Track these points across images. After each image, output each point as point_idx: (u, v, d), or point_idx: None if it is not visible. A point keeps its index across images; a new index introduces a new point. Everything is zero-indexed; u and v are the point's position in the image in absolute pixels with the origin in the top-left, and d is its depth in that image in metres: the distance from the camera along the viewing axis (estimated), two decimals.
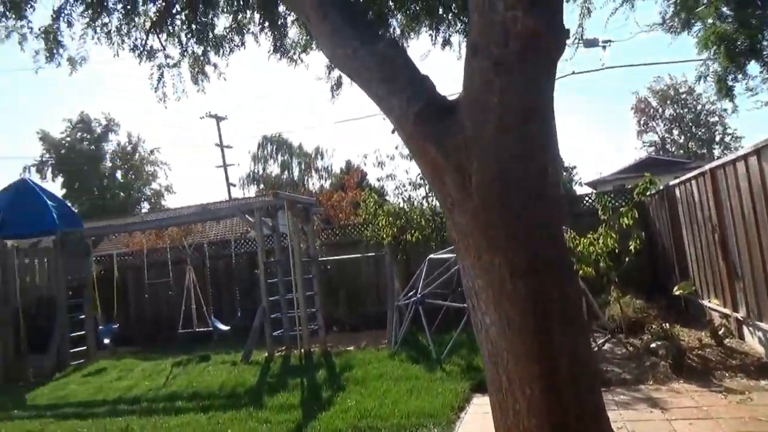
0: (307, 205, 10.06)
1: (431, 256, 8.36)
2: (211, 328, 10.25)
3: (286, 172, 42.31)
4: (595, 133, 70.33)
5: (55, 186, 37.10)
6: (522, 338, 2.68)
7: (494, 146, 2.69)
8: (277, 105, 69.30)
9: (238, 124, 72.99)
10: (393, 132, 3.26)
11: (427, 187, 10.64)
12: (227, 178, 33.35)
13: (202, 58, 7.18)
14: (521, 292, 2.66)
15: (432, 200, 10.56)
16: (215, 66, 7.30)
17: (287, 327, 9.25)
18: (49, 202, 10.94)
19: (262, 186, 40.09)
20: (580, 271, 7.49)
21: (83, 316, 10.63)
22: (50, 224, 10.55)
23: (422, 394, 5.71)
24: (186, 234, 14.66)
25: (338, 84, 7.34)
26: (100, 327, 10.79)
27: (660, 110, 45.02)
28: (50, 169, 37.67)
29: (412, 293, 8.20)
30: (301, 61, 7.36)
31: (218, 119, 33.06)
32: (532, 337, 2.67)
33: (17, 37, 6.21)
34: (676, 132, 45.27)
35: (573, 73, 15.56)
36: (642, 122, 45.52)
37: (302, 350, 8.66)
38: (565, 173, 40.22)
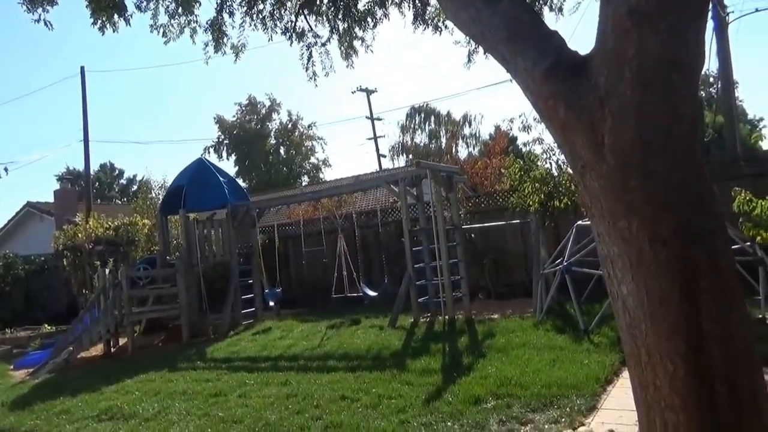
0: (450, 174, 10.05)
1: (579, 222, 7.92)
2: (361, 294, 10.79)
3: (434, 141, 42.51)
4: None
5: (229, 164, 41.21)
6: (663, 310, 2.45)
7: (632, 102, 2.45)
8: (425, 75, 69.45)
9: (387, 97, 74.59)
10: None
11: None
12: (377, 150, 34.49)
13: (348, 34, 7.41)
14: (662, 260, 2.43)
15: None
16: (362, 40, 7.50)
17: (432, 294, 9.43)
18: (221, 179, 12.23)
19: (410, 156, 40.76)
20: (758, 237, 6.62)
21: (251, 281, 11.83)
22: (223, 199, 11.81)
23: (566, 364, 5.52)
24: (338, 205, 15.49)
25: (475, 49, 7.16)
26: (266, 291, 11.90)
27: None
28: (225, 149, 41.83)
29: (559, 261, 7.88)
30: (445, 27, 7.28)
31: (368, 92, 34.13)
32: (675, 310, 2.43)
33: (188, 31, 6.84)
34: None
35: (756, 10, 13.50)
36: None
37: (446, 317, 8.79)
38: (749, 126, 35.24)
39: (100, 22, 5.97)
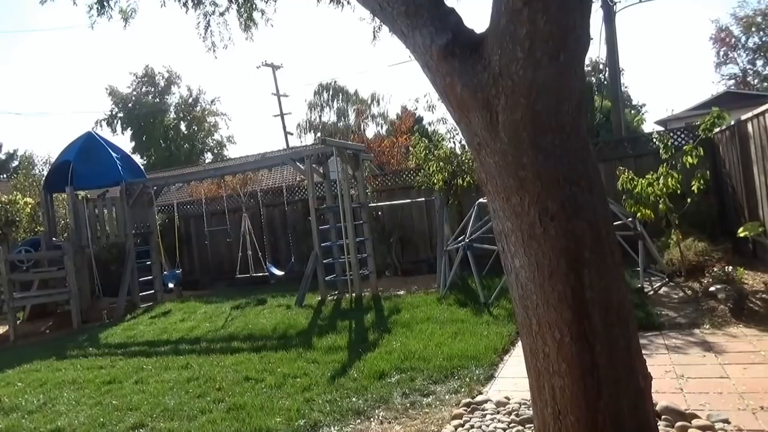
0: (357, 152, 10.03)
1: (481, 200, 8.22)
2: (267, 274, 10.60)
3: (342, 120, 42.31)
4: (668, 67, 65.88)
5: (124, 139, 38.80)
6: (552, 282, 2.58)
7: (524, 81, 2.53)
8: (332, 52, 68.66)
9: (294, 73, 73.02)
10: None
11: None
12: (284, 127, 33.73)
13: (247, 4, 7.12)
14: (551, 234, 2.55)
15: None
16: (262, 12, 7.23)
17: (339, 272, 9.45)
18: (113, 155, 11.44)
19: (318, 134, 40.36)
20: (638, 213, 7.19)
21: (150, 262, 11.25)
22: (116, 176, 11.07)
23: (467, 337, 5.73)
24: (243, 183, 15.04)
25: (380, 26, 7.14)
26: (165, 272, 11.38)
27: (743, 39, 41.41)
28: (119, 123, 39.23)
29: (461, 238, 8.14)
30: (347, 2, 7.18)
31: (274, 68, 33.18)
32: (562, 280, 2.57)
33: None
34: (760, 63, 41.67)
35: (640, 1, 14.47)
36: (722, 53, 42.10)
37: (353, 294, 8.85)
38: (633, 111, 38.08)
39: None
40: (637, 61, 60.42)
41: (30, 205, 13.10)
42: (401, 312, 7.29)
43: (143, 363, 6.56)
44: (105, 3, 6.53)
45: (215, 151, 43.03)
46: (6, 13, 55.85)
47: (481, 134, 2.67)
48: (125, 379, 5.99)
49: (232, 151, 42.28)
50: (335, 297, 9.16)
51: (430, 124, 12.02)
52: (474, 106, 2.65)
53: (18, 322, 9.72)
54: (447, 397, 4.34)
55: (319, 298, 8.95)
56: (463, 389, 4.41)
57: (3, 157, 46.77)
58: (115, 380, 6.00)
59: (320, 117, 42.85)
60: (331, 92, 42.78)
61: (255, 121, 79.53)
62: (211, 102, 42.03)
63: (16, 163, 43.88)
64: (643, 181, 7.11)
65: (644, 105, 41.64)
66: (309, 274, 9.12)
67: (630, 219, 7.40)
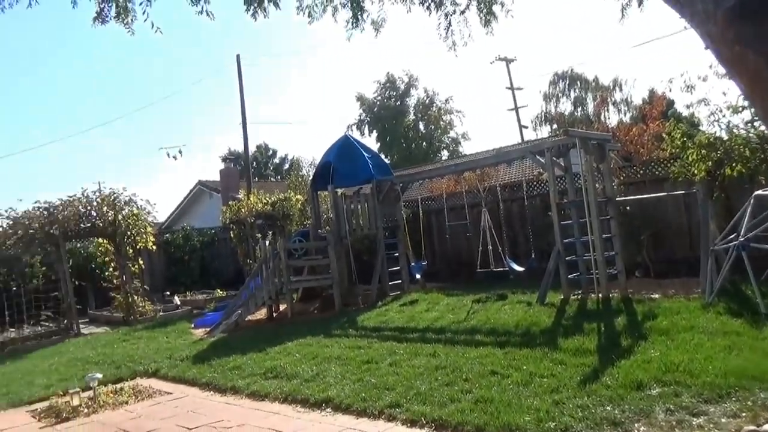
0: (602, 142, 9.38)
1: (758, 192, 7.01)
2: (506, 269, 10.59)
3: (579, 109, 40.05)
4: None
5: (371, 140, 42.50)
6: None
7: None
8: (567, 40, 65.41)
9: (527, 65, 71.52)
10: (706, 48, 2.76)
11: (752, 109, 8.80)
12: (519, 121, 33.32)
13: None
14: None
15: (759, 125, 8.73)
16: (502, 5, 7.21)
17: (583, 270, 8.98)
18: (365, 155, 12.63)
19: (554, 126, 38.84)
20: None
21: (397, 254, 12.16)
22: (368, 174, 12.20)
23: (745, 352, 4.95)
24: (481, 178, 15.26)
25: (628, 2, 6.53)
26: (412, 264, 12.16)
27: None
28: (367, 126, 43.12)
29: (733, 236, 7.05)
30: None
31: (507, 61, 32.98)
32: None
33: (330, 10, 7.00)
34: None
35: None
36: None
37: (599, 295, 8.32)
38: None
39: (252, 8, 6.31)
40: None
41: (300, 202, 15.23)
42: (657, 318, 6.62)
43: (395, 347, 7.11)
44: (358, 16, 7.16)
45: (450, 148, 44.43)
46: (284, 40, 65.80)
47: None
48: (381, 361, 6.56)
49: (466, 148, 43.22)
50: (579, 296, 8.73)
51: (688, 107, 10.61)
52: None
53: (293, 301, 11.38)
54: (723, 420, 3.80)
55: (562, 297, 8.62)
56: (744, 414, 3.82)
57: (278, 161, 55.27)
58: (372, 360, 6.62)
59: (556, 108, 41.20)
60: (567, 81, 40.83)
61: (488, 117, 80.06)
62: (446, 101, 43.49)
63: (287, 165, 51.43)
64: None
65: None
66: (551, 271, 8.85)
67: None
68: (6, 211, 12.76)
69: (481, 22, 7.21)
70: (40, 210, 12.80)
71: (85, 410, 6.14)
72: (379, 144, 41.67)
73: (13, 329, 12.58)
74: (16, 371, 8.96)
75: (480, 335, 7.13)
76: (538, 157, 9.65)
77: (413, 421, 4.63)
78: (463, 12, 7.23)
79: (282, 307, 11.52)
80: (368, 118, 42.97)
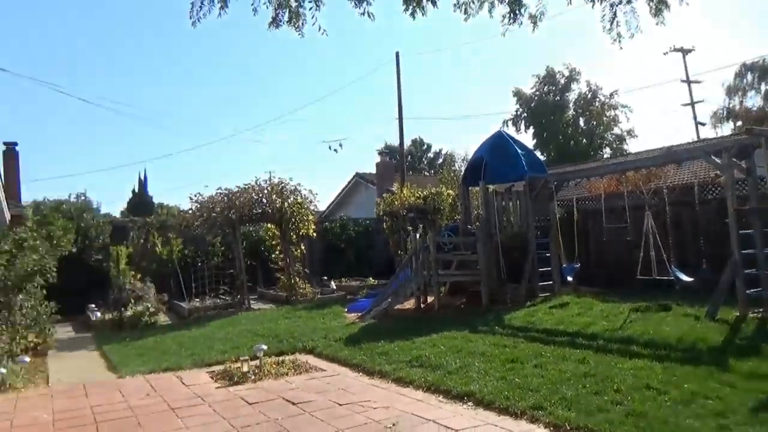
0: None
1: None
2: (671, 278, 9.74)
3: None
4: None
5: (527, 137, 41.31)
6: None
7: None
8: (757, 25, 57.36)
9: (707, 56, 64.12)
10: None
11: None
12: (695, 117, 30.19)
13: None
14: None
15: None
16: None
17: (766, 286, 7.96)
18: (519, 151, 12.39)
19: (739, 123, 34.50)
20: None
21: (548, 254, 11.78)
22: (521, 171, 11.96)
23: None
24: (646, 179, 14.14)
25: None
26: (563, 265, 11.70)
27: None
28: (523, 122, 41.95)
29: None
30: None
31: (684, 52, 29.98)
32: None
33: (487, 5, 6.96)
34: None
35: None
36: None
37: None
38: None
39: (410, 7, 6.51)
40: None
41: (451, 197, 15.39)
42: None
43: (542, 349, 6.96)
44: (516, 11, 7.03)
45: (614, 145, 41.54)
46: (442, 36, 66.58)
47: None
48: (526, 361, 6.47)
49: (632, 146, 40.11)
50: (759, 315, 7.77)
51: None
52: None
53: (440, 294, 11.57)
54: None
55: (737, 314, 7.74)
56: None
57: (432, 156, 56.09)
58: (517, 360, 6.55)
59: (741, 103, 36.57)
60: (758, 73, 35.97)
61: (659, 113, 73.39)
62: (610, 95, 40.72)
63: (440, 160, 51.97)
64: None
65: None
66: (725, 284, 7.99)
67: None
68: (195, 195, 14.60)
69: (650, 11, 6.72)
70: (221, 196, 14.44)
71: (252, 377, 6.88)
72: (535, 140, 40.37)
73: (198, 299, 14.41)
74: (199, 336, 10.28)
75: (636, 346, 6.68)
76: (713, 157, 8.74)
77: (556, 425, 4.54)
78: (629, 1, 6.80)
79: (429, 299, 11.78)
80: (525, 114, 41.77)
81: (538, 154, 29.64)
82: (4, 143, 18.36)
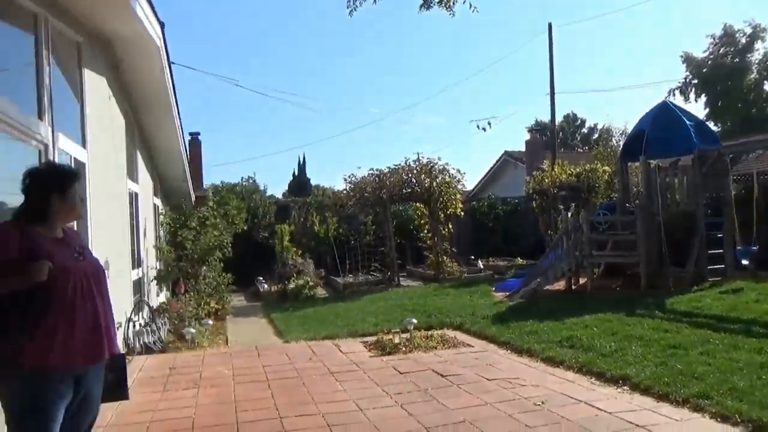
0: None
1: None
2: None
3: None
4: None
5: (698, 106, 37.25)
6: None
7: None
8: None
9: None
10: None
11: None
12: None
13: None
14: None
15: None
16: None
17: None
18: (687, 122, 11.28)
19: None
20: None
21: (720, 235, 10.64)
22: (688, 144, 10.91)
23: None
24: None
25: None
26: (738, 248, 10.53)
27: None
28: (693, 90, 37.82)
29: None
30: None
31: None
32: None
33: None
34: None
35: None
36: None
37: None
38: None
39: None
40: None
41: (606, 173, 14.52)
42: None
43: (709, 336, 6.41)
44: None
45: None
46: (597, 4, 62.07)
47: None
48: (690, 348, 6.01)
49: None
50: None
51: None
52: None
53: (593, 276, 11.05)
54: None
55: None
56: None
57: (586, 131, 53.00)
58: (680, 346, 6.10)
59: None
60: None
61: None
62: None
63: (596, 135, 48.91)
64: None
65: None
66: None
67: None
68: (348, 177, 15.43)
69: None
70: (373, 176, 15.09)
71: (403, 348, 7.21)
72: (707, 110, 36.25)
73: (351, 275, 15.30)
74: (353, 309, 10.97)
75: None
76: None
77: (725, 416, 4.20)
78: None
79: (581, 280, 11.31)
80: (695, 81, 37.62)
81: (710, 125, 26.66)
82: (190, 134, 20.84)
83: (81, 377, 2.59)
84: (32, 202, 2.63)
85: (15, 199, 3.61)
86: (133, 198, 8.69)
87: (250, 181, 32.17)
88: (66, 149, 4.94)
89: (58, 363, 2.46)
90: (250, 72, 68.43)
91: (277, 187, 64.66)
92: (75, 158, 5.25)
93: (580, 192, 14.31)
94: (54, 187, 2.64)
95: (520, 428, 4.26)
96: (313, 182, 41.08)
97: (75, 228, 3.92)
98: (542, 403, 4.81)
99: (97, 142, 6.00)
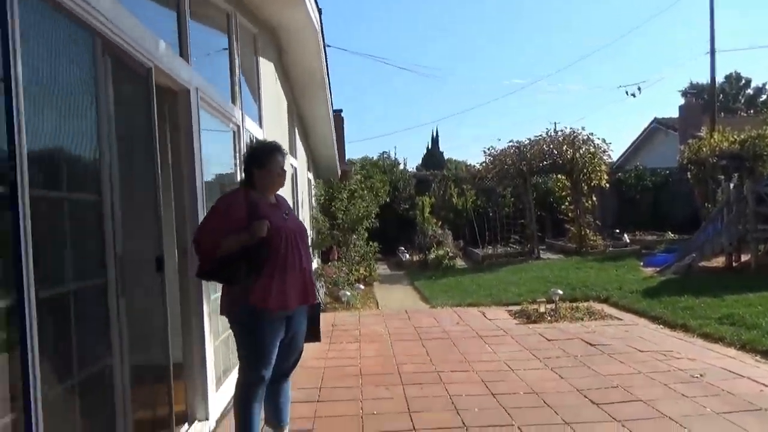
0: None
1: None
2: None
3: None
4: None
5: None
6: None
7: None
8: None
9: None
10: None
11: None
12: None
13: None
14: None
15: None
16: None
17: None
18: None
19: None
20: None
21: None
22: None
23: None
24: None
25: None
26: None
27: None
28: None
29: None
30: None
31: None
32: None
33: None
34: None
35: None
36: None
37: None
38: None
39: None
40: None
41: None
42: None
43: None
44: None
45: None
46: None
47: None
48: None
49: None
50: None
51: None
52: None
53: (759, 252, 10.17)
54: None
55: None
56: None
57: (751, 93, 47.15)
58: None
59: None
60: None
61: None
62: None
63: (764, 97, 43.45)
64: None
65: None
66: None
67: None
68: (488, 149, 15.48)
69: None
70: (513, 148, 14.99)
71: (548, 318, 7.32)
72: None
73: (490, 247, 15.44)
74: (494, 279, 11.18)
75: None
76: None
77: None
78: None
79: (744, 257, 10.46)
80: None
81: None
82: (334, 111, 22.02)
83: (291, 318, 3.15)
84: (246, 174, 3.22)
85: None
86: (295, 173, 9.60)
87: (385, 156, 33.15)
88: (250, 129, 5.68)
89: (275, 306, 3.02)
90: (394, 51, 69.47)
91: (410, 161, 65.88)
92: (255, 138, 6.00)
93: (745, 161, 13.02)
94: (254, 162, 3.19)
95: (677, 397, 4.27)
96: (445, 156, 41.25)
97: None
98: (701, 375, 4.74)
99: (270, 122, 6.77)
